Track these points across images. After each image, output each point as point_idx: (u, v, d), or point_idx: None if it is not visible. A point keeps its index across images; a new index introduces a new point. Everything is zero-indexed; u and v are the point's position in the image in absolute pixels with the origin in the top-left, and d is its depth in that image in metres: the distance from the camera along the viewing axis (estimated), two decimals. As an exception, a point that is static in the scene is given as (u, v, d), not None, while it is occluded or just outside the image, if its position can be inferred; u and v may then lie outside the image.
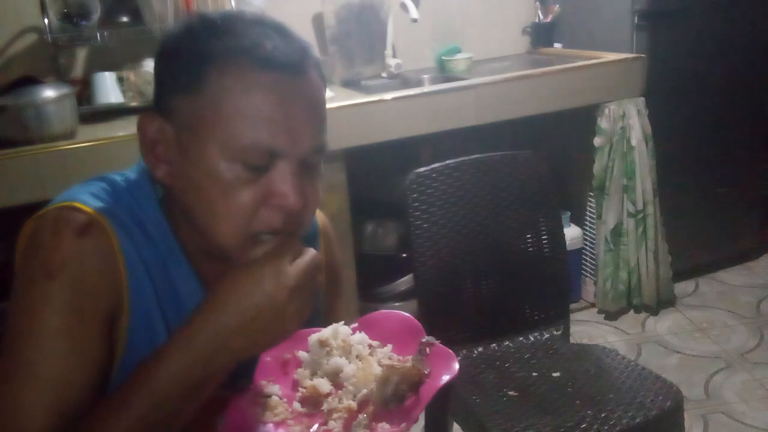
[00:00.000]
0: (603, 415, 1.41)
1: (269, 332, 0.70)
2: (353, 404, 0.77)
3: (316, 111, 0.75)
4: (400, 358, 0.81)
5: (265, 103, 0.71)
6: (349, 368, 0.80)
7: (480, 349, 1.72)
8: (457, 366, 0.77)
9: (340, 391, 0.80)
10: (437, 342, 0.81)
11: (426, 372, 0.77)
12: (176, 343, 0.68)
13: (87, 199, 0.75)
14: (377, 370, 0.79)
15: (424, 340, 0.81)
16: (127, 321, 0.75)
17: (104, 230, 0.74)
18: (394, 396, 0.75)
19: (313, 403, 0.80)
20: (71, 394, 0.70)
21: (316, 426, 0.77)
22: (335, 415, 0.77)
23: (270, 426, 0.76)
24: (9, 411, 0.68)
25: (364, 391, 0.78)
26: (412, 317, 0.87)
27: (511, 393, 1.54)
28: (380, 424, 0.73)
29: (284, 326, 0.70)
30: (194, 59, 0.72)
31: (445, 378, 0.76)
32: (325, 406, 0.78)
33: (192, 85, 0.72)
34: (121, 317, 0.75)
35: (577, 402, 1.47)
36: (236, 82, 0.71)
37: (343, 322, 0.86)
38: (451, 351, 0.80)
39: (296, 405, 0.80)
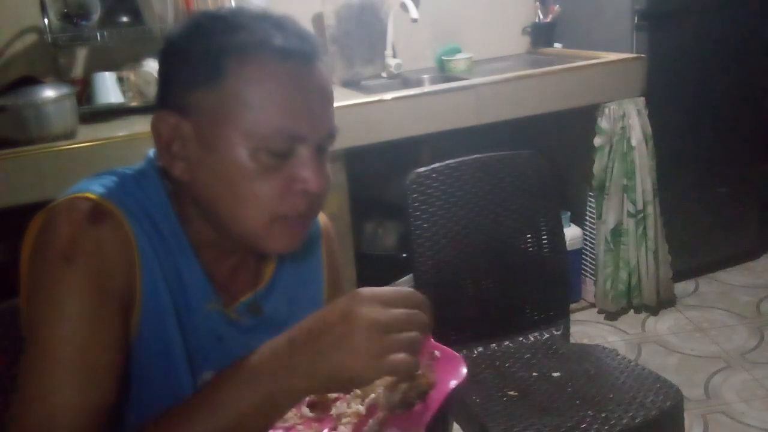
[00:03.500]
0: (603, 415, 1.41)
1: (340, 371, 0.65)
2: (362, 409, 0.77)
3: (329, 97, 0.79)
4: None
5: (285, 91, 0.73)
6: None
7: (480, 349, 1.72)
8: (464, 370, 0.77)
9: (348, 396, 0.80)
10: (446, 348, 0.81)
11: (434, 380, 0.77)
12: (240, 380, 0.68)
13: (98, 190, 0.76)
14: None
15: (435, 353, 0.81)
16: (139, 308, 0.75)
17: (117, 218, 0.74)
18: (401, 403, 0.75)
19: (322, 407, 0.80)
20: (97, 374, 0.70)
21: (326, 431, 0.77)
22: (344, 420, 0.77)
23: (280, 431, 0.77)
24: (42, 393, 0.68)
25: (373, 395, 0.77)
26: None
27: (511, 393, 1.54)
28: (390, 430, 0.74)
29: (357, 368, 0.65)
30: (210, 54, 0.73)
31: (453, 383, 0.76)
32: (333, 411, 0.79)
33: (211, 79, 0.73)
34: (134, 304, 0.75)
35: (577, 402, 1.47)
36: (256, 73, 0.72)
37: None
38: (458, 355, 0.80)
39: (305, 410, 0.80)
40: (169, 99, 0.76)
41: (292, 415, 0.79)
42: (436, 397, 0.75)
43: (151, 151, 0.83)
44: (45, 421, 0.67)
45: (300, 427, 0.78)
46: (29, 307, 0.72)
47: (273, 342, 0.68)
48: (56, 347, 0.69)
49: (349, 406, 0.78)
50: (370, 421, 0.75)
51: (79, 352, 0.69)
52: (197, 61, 0.73)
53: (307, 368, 0.65)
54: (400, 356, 0.64)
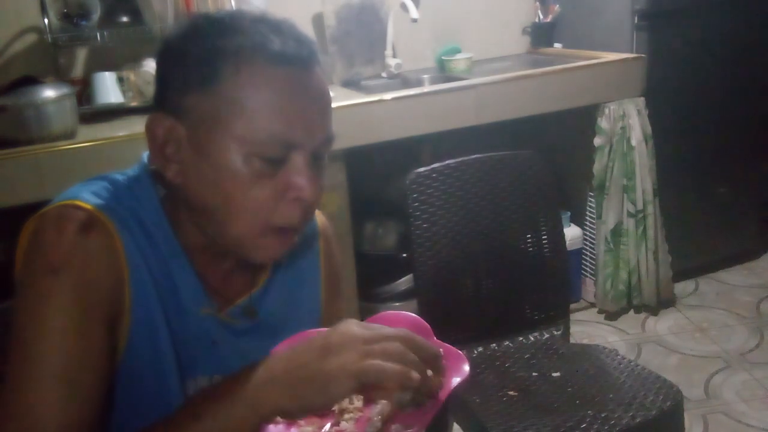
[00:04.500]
0: (603, 415, 1.41)
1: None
2: (360, 405, 0.77)
3: (325, 102, 0.77)
4: None
5: (280, 97, 0.72)
6: None
7: (480, 349, 1.72)
8: (467, 368, 0.77)
9: None
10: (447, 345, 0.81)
11: (442, 381, 0.76)
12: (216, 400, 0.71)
13: (89, 198, 0.75)
14: None
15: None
16: (129, 319, 0.75)
17: (106, 228, 0.74)
18: (411, 402, 0.75)
19: None
20: (80, 389, 0.70)
21: (328, 426, 0.76)
22: (347, 416, 0.77)
23: (281, 426, 0.76)
24: (22, 407, 0.68)
25: (379, 405, 0.77)
26: (420, 318, 0.87)
27: (511, 393, 1.54)
28: (393, 426, 0.73)
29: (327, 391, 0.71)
30: (206, 57, 0.72)
31: (456, 380, 0.76)
32: (335, 407, 0.78)
33: (206, 83, 0.72)
34: (122, 315, 0.75)
35: (577, 402, 1.47)
36: (252, 78, 0.72)
37: None
38: (461, 352, 0.80)
39: None
40: (165, 101, 0.76)
41: None
42: (440, 393, 0.75)
43: (145, 155, 0.83)
44: None
45: (302, 423, 0.77)
46: (16, 317, 0.72)
47: (257, 362, 0.72)
48: (41, 360, 0.69)
49: (351, 402, 0.78)
50: (374, 417, 0.75)
51: (64, 365, 0.69)
52: (193, 64, 0.73)
53: (285, 376, 0.70)
54: (374, 361, 0.68)
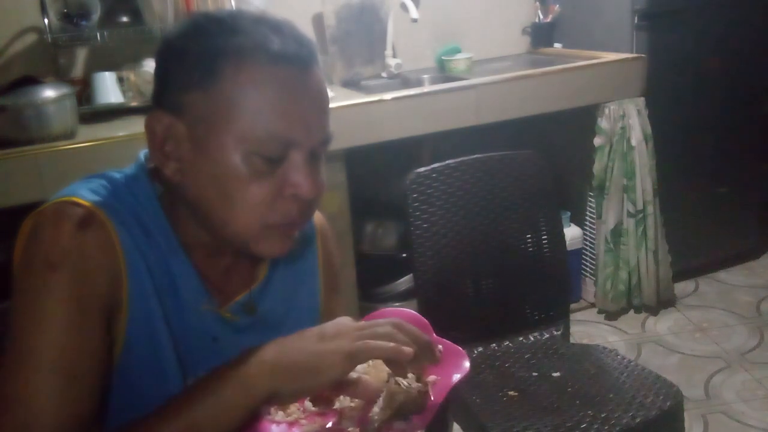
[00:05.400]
0: (603, 415, 1.41)
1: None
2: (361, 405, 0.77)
3: (324, 102, 0.78)
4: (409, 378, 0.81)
5: (280, 96, 0.73)
6: (358, 366, 0.80)
7: (480, 349, 1.72)
8: (467, 364, 0.78)
9: None
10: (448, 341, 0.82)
11: (431, 399, 0.77)
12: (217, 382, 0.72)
13: (86, 195, 0.76)
14: (387, 369, 0.79)
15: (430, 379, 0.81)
16: (126, 315, 0.76)
17: (104, 224, 0.74)
18: (397, 415, 0.75)
19: (325, 402, 0.80)
20: (77, 383, 0.70)
21: (330, 424, 0.77)
22: (348, 414, 0.77)
23: (284, 426, 0.76)
24: (19, 400, 0.69)
25: (378, 404, 0.77)
26: (419, 315, 0.87)
27: (511, 393, 1.54)
28: (396, 423, 0.74)
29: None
30: (207, 56, 0.73)
31: (456, 377, 0.76)
32: (337, 405, 0.79)
33: (206, 82, 0.73)
34: (120, 311, 0.75)
35: (577, 402, 1.47)
36: (252, 77, 0.72)
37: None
38: (460, 349, 0.80)
39: (308, 404, 0.80)
40: (164, 99, 0.76)
41: (295, 410, 0.79)
42: (440, 390, 0.76)
43: (142, 154, 0.83)
44: (23, 426, 0.68)
45: (303, 422, 0.78)
46: (13, 312, 0.72)
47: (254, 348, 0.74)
48: (37, 353, 0.70)
49: (352, 401, 0.78)
50: (374, 415, 0.75)
51: (60, 358, 0.70)
52: (194, 62, 0.73)
53: (275, 357, 0.71)
54: (365, 342, 0.70)
